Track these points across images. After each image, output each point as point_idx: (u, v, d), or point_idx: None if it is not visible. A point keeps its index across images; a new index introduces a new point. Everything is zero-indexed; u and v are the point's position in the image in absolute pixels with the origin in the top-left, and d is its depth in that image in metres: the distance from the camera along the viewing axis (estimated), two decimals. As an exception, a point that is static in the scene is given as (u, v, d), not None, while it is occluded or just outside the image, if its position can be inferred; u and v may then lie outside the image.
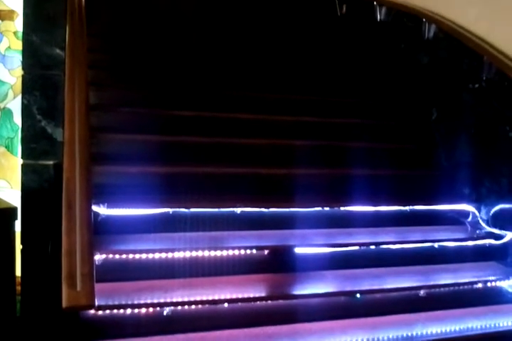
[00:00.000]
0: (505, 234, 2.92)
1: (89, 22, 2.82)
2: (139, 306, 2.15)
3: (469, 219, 3.11)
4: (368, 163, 3.14)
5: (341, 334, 2.31)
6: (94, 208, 2.23)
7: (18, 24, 4.20)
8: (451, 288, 2.66)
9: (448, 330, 2.42)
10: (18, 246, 2.71)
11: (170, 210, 2.57)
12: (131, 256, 2.33)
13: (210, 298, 2.26)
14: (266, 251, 2.54)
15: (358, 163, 3.09)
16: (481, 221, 3.07)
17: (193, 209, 2.61)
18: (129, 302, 2.15)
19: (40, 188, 2.57)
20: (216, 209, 2.67)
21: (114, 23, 4.07)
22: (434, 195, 3.19)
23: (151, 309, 2.17)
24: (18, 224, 2.76)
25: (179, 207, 2.59)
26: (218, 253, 2.45)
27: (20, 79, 2.88)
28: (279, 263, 2.57)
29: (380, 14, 4.07)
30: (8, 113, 4.24)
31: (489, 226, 3.02)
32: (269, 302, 2.40)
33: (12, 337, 2.71)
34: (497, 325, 2.50)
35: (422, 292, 2.57)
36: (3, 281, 2.72)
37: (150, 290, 2.25)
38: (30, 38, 2.62)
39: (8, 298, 2.74)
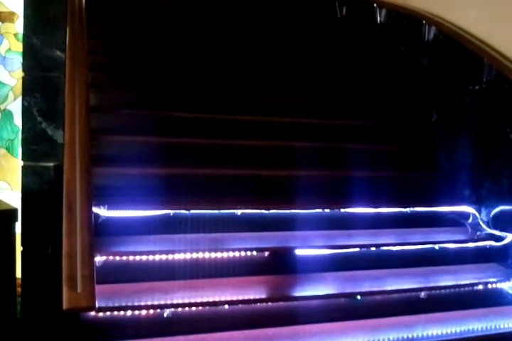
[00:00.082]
0: (506, 236, 2.92)
1: (90, 24, 2.82)
2: (140, 308, 2.16)
3: (470, 220, 3.11)
4: (368, 165, 3.14)
5: (341, 335, 2.31)
6: (95, 210, 2.24)
7: (18, 26, 4.20)
8: (452, 290, 2.67)
9: (448, 332, 2.42)
10: (19, 248, 2.71)
11: (170, 212, 2.57)
12: (131, 257, 2.33)
13: (211, 299, 2.26)
14: (266, 253, 2.54)
15: (358, 164, 3.09)
16: (481, 222, 3.07)
17: (193, 211, 2.61)
18: (130, 304, 2.15)
19: (41, 190, 2.57)
20: (216, 211, 2.67)
21: (115, 25, 4.08)
22: (434, 196, 3.19)
23: (151, 311, 2.17)
24: (18, 226, 2.75)
25: (179, 209, 2.59)
26: (219, 254, 2.45)
27: (20, 81, 2.88)
28: (280, 265, 2.57)
29: (380, 16, 4.07)
30: (8, 115, 4.25)
31: (490, 228, 3.02)
32: (270, 304, 2.41)
33: (12, 339, 2.70)
34: (498, 326, 2.50)
35: (422, 294, 2.58)
36: (4, 283, 2.72)
37: (150, 291, 2.24)
38: (30, 39, 2.62)
39: (9, 299, 2.74)
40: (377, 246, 2.74)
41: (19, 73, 3.80)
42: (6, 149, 4.24)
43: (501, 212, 2.98)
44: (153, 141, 3.00)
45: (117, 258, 2.31)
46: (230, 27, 4.33)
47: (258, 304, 2.38)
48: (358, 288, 2.53)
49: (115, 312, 2.14)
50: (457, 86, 3.31)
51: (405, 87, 3.79)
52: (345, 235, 2.81)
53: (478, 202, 3.11)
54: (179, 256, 2.39)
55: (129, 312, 2.15)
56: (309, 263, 2.58)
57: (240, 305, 2.34)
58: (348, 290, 2.52)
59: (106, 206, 2.45)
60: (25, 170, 2.58)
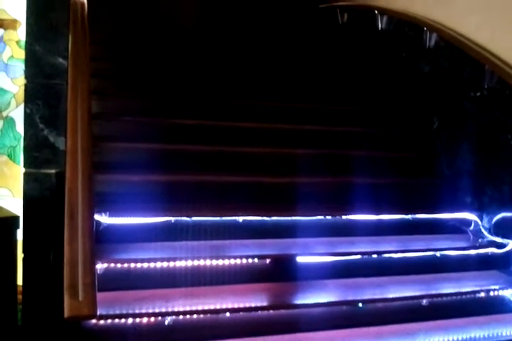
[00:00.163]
0: (508, 243, 2.92)
1: (92, 31, 2.84)
2: (141, 315, 2.16)
3: (471, 227, 3.10)
4: (369, 172, 3.14)
5: (343, 343, 2.30)
6: (96, 217, 2.24)
7: (21, 33, 4.21)
8: (454, 298, 2.66)
9: (450, 340, 2.42)
10: (20, 255, 2.70)
11: (172, 219, 2.57)
12: (132, 265, 2.33)
13: (212, 307, 2.26)
14: (268, 260, 2.54)
15: (359, 171, 3.10)
16: (483, 229, 3.06)
17: (194, 218, 2.61)
18: (131, 312, 2.15)
19: (42, 197, 2.57)
20: (218, 218, 2.67)
21: (117, 32, 4.09)
22: (435, 203, 3.19)
23: (152, 318, 2.17)
24: (19, 233, 2.75)
25: (181, 216, 2.59)
26: (220, 262, 2.44)
27: (22, 88, 2.88)
28: (281, 272, 2.57)
29: (381, 23, 4.08)
30: (10, 122, 4.25)
31: (491, 235, 3.01)
32: (271, 311, 2.40)
33: (13, 347, 2.70)
34: (499, 334, 2.49)
35: (424, 301, 2.57)
36: (5, 290, 2.72)
37: (151, 299, 2.24)
38: (33, 47, 2.63)
39: (10, 306, 2.73)
40: (378, 253, 2.74)
41: (21, 80, 3.81)
42: (8, 156, 4.24)
43: (503, 219, 2.97)
44: (155, 147, 3.00)
45: (118, 265, 2.31)
46: (233, 33, 4.34)
47: (259, 312, 2.38)
48: (360, 296, 2.52)
49: (116, 320, 2.13)
50: (458, 92, 3.31)
51: (407, 93, 3.80)
52: (347, 242, 2.81)
53: (479, 209, 3.11)
54: (180, 264, 2.39)
55: (130, 320, 2.15)
56: (311, 271, 2.57)
57: (241, 313, 2.34)
58: (350, 297, 2.51)
59: (107, 213, 2.45)
60: (27, 177, 2.58)
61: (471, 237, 3.05)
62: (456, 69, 3.34)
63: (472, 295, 2.70)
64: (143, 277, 2.34)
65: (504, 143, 2.96)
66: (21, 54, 3.89)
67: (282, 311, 2.42)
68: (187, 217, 2.59)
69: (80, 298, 1.59)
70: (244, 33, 4.41)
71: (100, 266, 2.22)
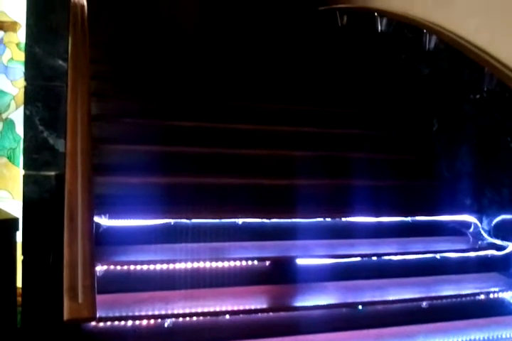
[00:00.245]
0: (507, 245, 2.91)
1: (92, 33, 2.84)
2: (140, 318, 2.15)
3: (471, 229, 3.10)
4: (369, 174, 3.14)
5: (343, 346, 2.30)
6: (96, 219, 2.24)
7: (20, 35, 4.22)
8: (454, 300, 2.65)
9: (450, 342, 2.42)
10: (20, 257, 2.70)
11: (171, 221, 2.57)
12: (132, 267, 2.32)
13: (212, 309, 2.26)
14: (267, 262, 2.53)
15: (359, 173, 3.10)
16: (482, 232, 3.06)
17: (194, 220, 2.61)
18: (130, 314, 2.15)
19: (42, 199, 2.56)
20: (217, 220, 2.66)
21: (117, 34, 4.10)
22: (435, 205, 3.19)
23: (152, 321, 2.16)
24: (19, 235, 2.75)
25: (180, 218, 2.59)
26: (220, 264, 2.44)
27: (22, 90, 2.88)
28: (281, 275, 2.56)
29: (380, 25, 4.09)
30: (10, 124, 4.25)
31: (491, 237, 3.01)
32: (271, 314, 2.39)
33: (12, 349, 2.69)
34: (499, 336, 2.50)
35: (424, 303, 2.57)
36: (4, 292, 2.71)
37: (151, 301, 2.24)
38: (32, 49, 2.63)
39: (9, 309, 2.73)
40: (378, 255, 2.73)
41: (21, 82, 3.81)
42: (8, 158, 4.24)
43: (503, 221, 2.97)
44: (155, 149, 3.00)
45: (118, 267, 2.30)
46: (233, 34, 4.35)
47: (259, 314, 2.37)
48: (360, 298, 2.52)
49: (116, 322, 2.13)
50: (458, 95, 3.31)
51: (406, 95, 3.80)
52: (347, 244, 2.81)
53: (479, 211, 3.11)
54: (180, 266, 2.38)
55: (129, 322, 2.14)
56: (310, 273, 2.57)
57: (241, 315, 2.33)
58: (350, 299, 2.51)
59: (107, 215, 2.45)
60: (27, 179, 2.58)
61: (471, 239, 3.05)
62: (455, 72, 3.34)
63: (472, 298, 2.70)
64: (142, 279, 2.34)
65: (504, 145, 2.96)
66: (21, 56, 3.90)
67: (282, 313, 2.42)
68: (186, 219, 2.59)
69: (80, 300, 1.58)
70: (244, 34, 4.42)
71: (100, 268, 2.22)
